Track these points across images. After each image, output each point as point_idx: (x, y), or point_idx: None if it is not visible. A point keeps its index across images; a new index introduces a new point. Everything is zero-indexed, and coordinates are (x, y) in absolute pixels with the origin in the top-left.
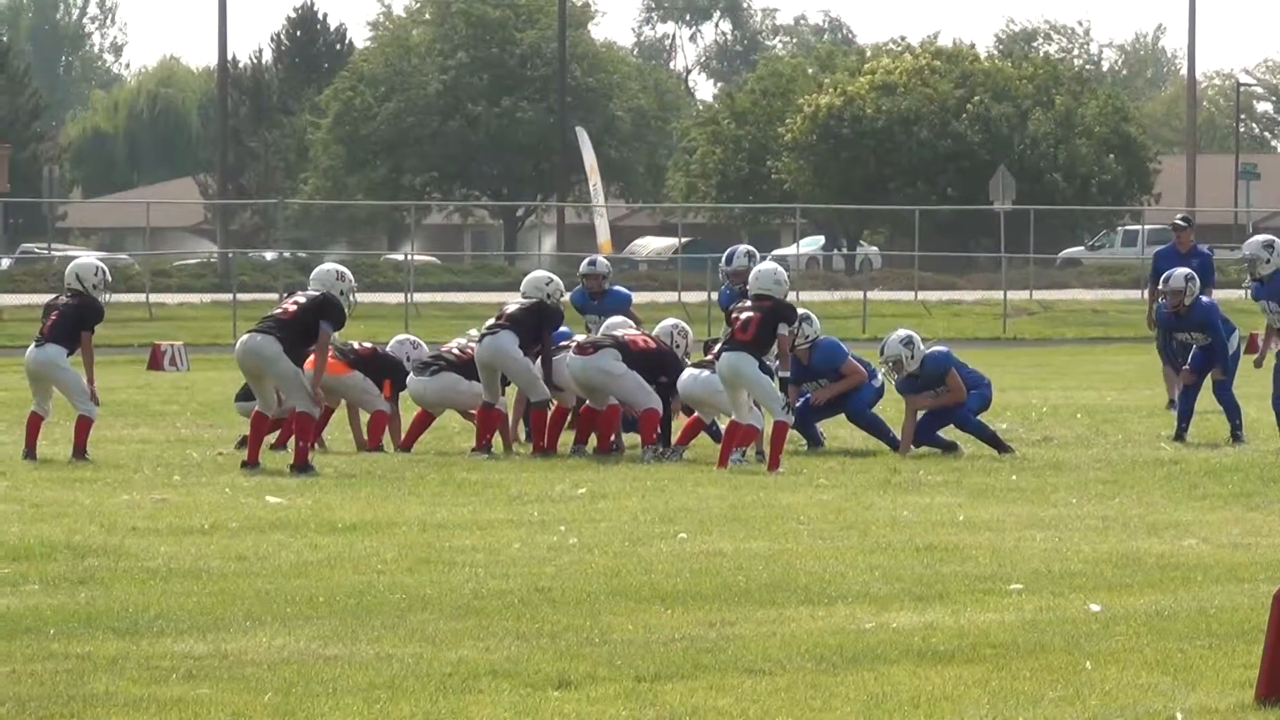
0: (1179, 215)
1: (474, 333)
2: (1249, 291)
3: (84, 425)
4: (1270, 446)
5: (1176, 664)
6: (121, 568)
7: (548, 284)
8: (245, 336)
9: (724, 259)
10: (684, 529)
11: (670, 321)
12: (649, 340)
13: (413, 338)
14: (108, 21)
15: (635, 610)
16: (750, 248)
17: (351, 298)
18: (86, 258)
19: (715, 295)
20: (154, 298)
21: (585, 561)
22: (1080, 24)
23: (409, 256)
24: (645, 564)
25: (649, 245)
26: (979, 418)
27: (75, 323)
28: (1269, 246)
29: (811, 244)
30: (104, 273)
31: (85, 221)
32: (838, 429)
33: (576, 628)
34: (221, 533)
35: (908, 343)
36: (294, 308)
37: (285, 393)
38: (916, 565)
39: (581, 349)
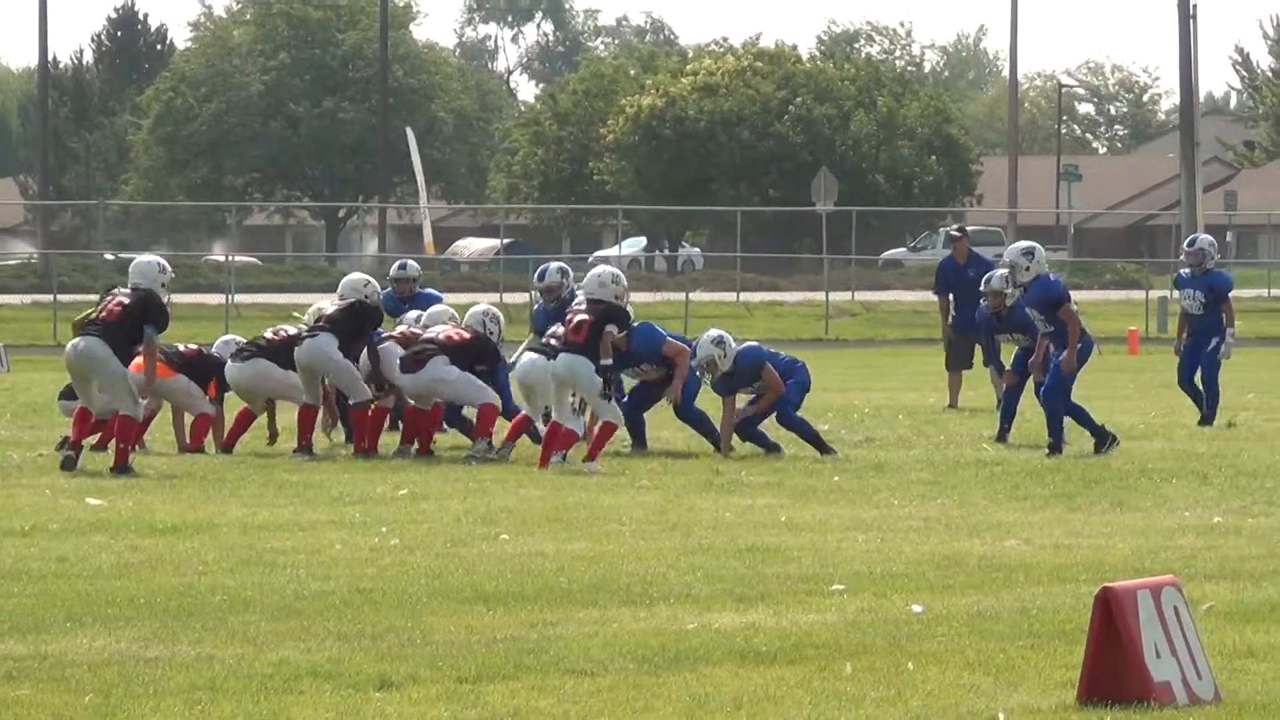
0: (954, 226)
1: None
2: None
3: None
4: (1089, 447)
5: (999, 664)
6: None
7: (365, 285)
8: (76, 341)
9: (536, 275)
10: (506, 530)
11: (481, 308)
12: (462, 331)
13: (237, 338)
14: None
15: (457, 611)
16: (564, 265)
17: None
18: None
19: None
20: None
21: (407, 562)
22: (902, 25)
23: (230, 257)
24: (467, 565)
25: (471, 246)
26: (801, 414)
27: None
28: (1029, 254)
29: (634, 245)
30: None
31: None
32: (659, 429)
33: (398, 629)
34: (41, 534)
35: (719, 342)
36: (118, 309)
37: (111, 394)
38: (739, 566)
39: (407, 366)
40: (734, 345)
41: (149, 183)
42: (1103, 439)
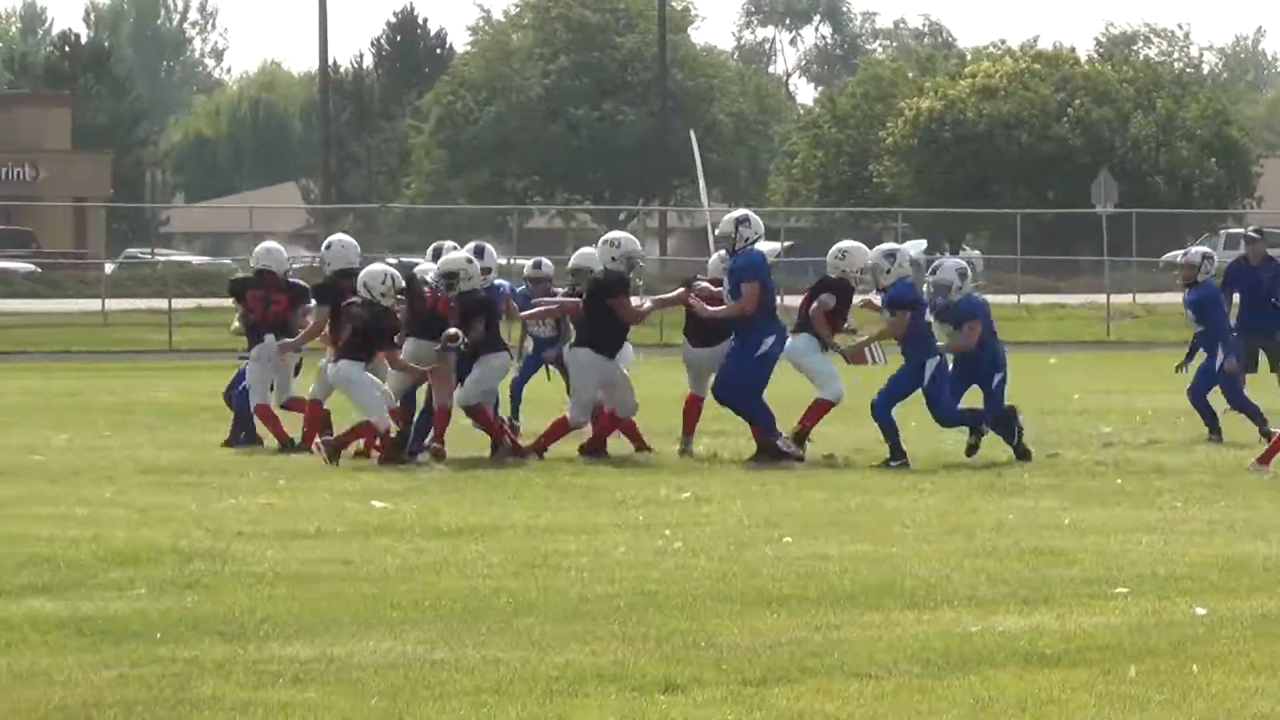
0: (1251, 228)
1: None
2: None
3: (363, 431)
4: None
5: None
6: (228, 572)
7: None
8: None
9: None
10: (789, 533)
11: None
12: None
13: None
14: (208, 26)
15: (741, 614)
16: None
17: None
18: (377, 265)
19: None
20: None
21: (690, 565)
22: (1180, 27)
23: (511, 260)
24: (751, 568)
25: None
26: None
27: (372, 336)
28: (889, 256)
29: (914, 247)
30: (393, 280)
31: (188, 226)
32: (942, 433)
33: (682, 631)
34: (327, 537)
35: (962, 273)
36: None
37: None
38: (1022, 569)
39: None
40: (970, 284)
41: (430, 186)
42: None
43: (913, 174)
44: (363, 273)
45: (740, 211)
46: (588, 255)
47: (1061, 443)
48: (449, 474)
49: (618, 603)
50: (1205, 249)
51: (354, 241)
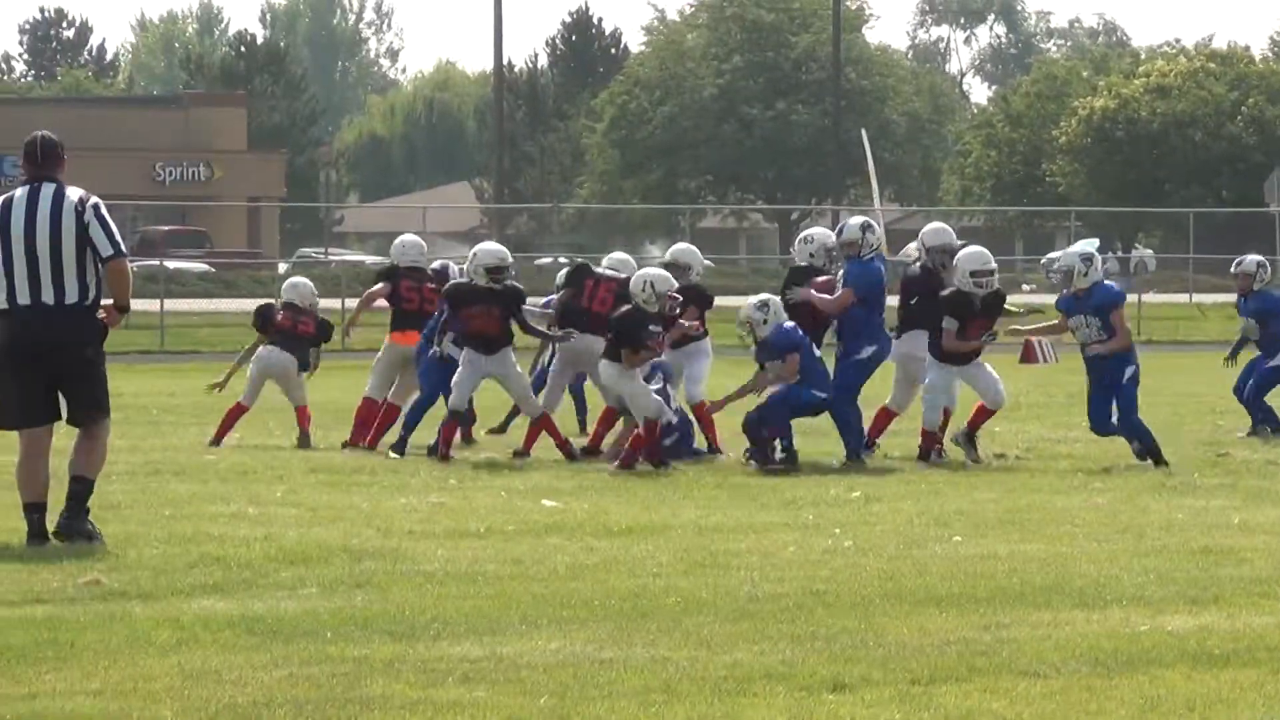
0: None
1: None
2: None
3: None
4: None
5: None
6: (398, 571)
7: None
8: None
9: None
10: (958, 532)
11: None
12: None
13: None
14: (384, 27)
15: (910, 613)
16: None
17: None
18: (652, 269)
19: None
20: None
21: (860, 564)
22: None
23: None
24: (920, 567)
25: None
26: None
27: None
28: (1087, 259)
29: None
30: (653, 285)
31: (361, 226)
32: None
33: (851, 630)
34: (497, 536)
35: (762, 306)
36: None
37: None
38: (1191, 568)
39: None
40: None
41: (603, 185)
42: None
43: (1085, 173)
44: (632, 281)
45: (862, 218)
46: (685, 251)
47: (1233, 442)
48: (612, 474)
49: (786, 602)
50: (1260, 257)
51: (419, 241)
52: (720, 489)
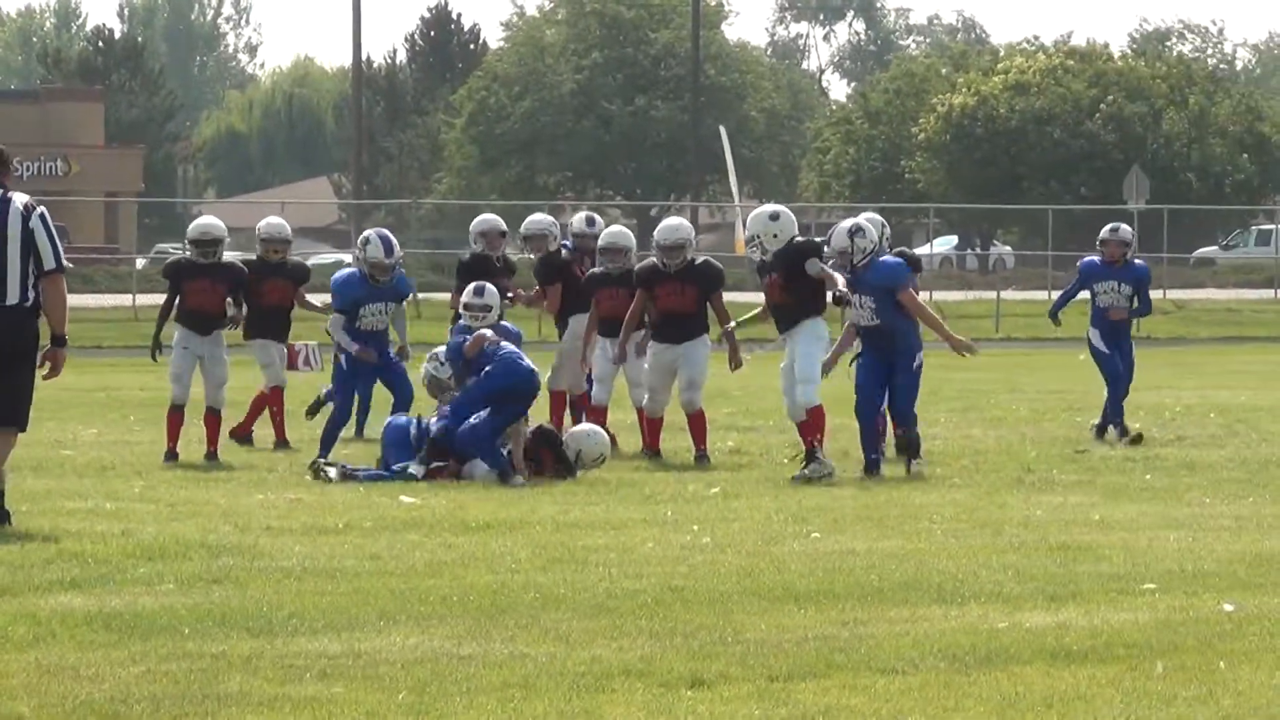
0: None
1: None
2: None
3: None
4: None
5: None
6: (255, 567)
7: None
8: None
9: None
10: (817, 528)
11: None
12: None
13: None
14: (242, 22)
15: (768, 609)
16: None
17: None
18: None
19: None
20: None
21: (718, 561)
22: (1214, 23)
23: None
24: (778, 563)
25: None
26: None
27: None
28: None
29: (945, 244)
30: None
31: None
32: (969, 429)
33: (710, 627)
34: (355, 532)
35: (857, 231)
36: None
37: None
38: (1050, 564)
39: None
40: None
41: (461, 181)
42: None
43: (944, 170)
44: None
45: (850, 222)
46: (619, 234)
47: (1089, 439)
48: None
49: (645, 598)
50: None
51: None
52: (578, 485)
